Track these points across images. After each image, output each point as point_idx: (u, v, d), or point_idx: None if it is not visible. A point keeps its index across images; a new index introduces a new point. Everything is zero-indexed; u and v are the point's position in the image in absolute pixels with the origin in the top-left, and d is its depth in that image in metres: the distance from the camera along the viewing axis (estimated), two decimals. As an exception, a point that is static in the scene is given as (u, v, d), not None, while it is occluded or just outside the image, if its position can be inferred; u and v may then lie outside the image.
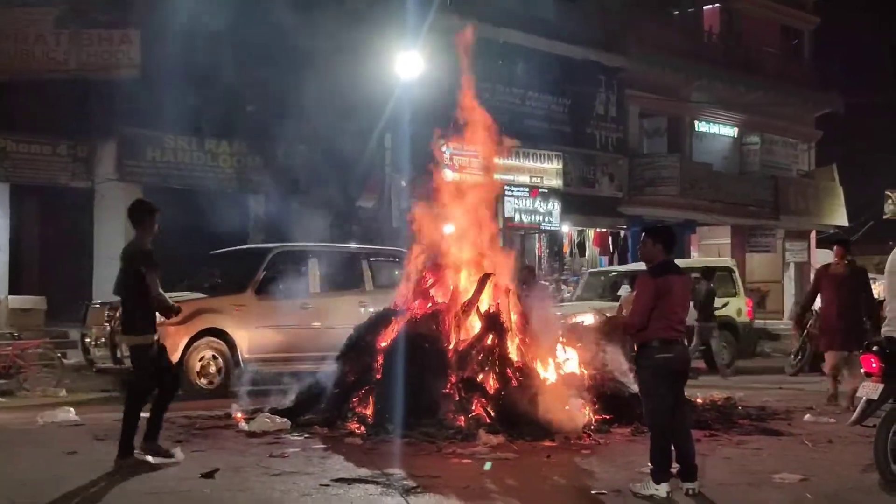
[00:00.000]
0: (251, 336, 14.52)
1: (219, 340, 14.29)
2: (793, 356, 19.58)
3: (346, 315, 14.40)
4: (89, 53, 22.04)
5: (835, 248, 13.28)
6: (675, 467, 7.73)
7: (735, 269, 21.60)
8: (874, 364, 8.13)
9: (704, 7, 31.83)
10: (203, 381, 14.09)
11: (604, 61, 27.04)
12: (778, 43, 34.31)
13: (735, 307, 20.09)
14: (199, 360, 14.13)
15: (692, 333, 17.29)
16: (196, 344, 14.06)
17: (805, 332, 19.27)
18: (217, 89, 19.69)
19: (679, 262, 9.06)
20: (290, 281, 14.91)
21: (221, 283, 15.44)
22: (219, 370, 14.25)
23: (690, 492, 7.60)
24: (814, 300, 13.61)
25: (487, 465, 8.81)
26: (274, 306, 14.76)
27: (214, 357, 14.24)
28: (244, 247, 17.46)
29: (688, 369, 7.99)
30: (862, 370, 8.45)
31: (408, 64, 18.92)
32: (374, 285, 15.73)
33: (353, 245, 17.04)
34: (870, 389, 8.13)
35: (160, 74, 19.78)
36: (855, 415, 8.33)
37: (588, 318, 16.20)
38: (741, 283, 21.36)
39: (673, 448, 7.65)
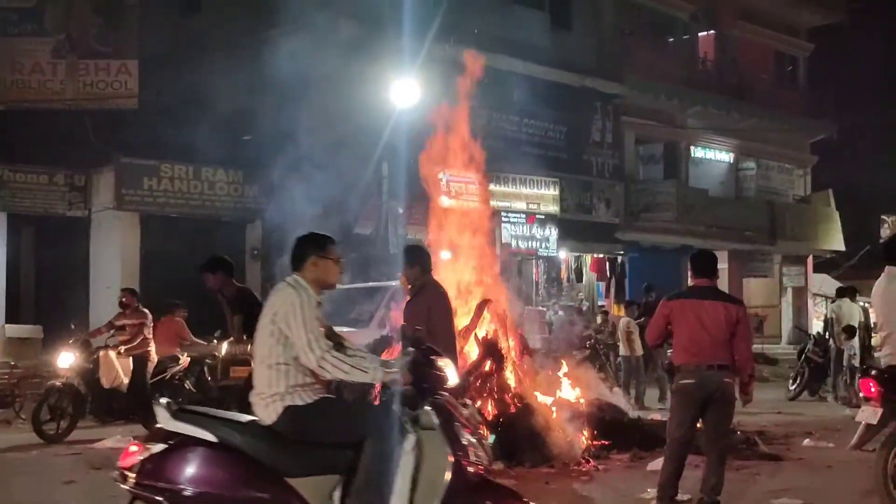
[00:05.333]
0: None
1: None
2: (791, 381, 19.61)
3: None
4: (86, 83, 22.16)
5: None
6: (686, 497, 7.69)
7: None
8: (873, 389, 8.11)
9: (699, 34, 31.95)
10: None
11: (600, 88, 27.13)
12: (772, 69, 34.44)
13: None
14: None
15: None
16: None
17: (803, 356, 19.35)
18: (214, 118, 19.73)
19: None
20: None
21: None
22: None
23: None
24: None
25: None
26: None
27: None
28: None
29: (719, 396, 7.58)
30: (861, 395, 8.44)
31: (404, 92, 18.98)
32: None
33: None
34: (869, 414, 8.11)
35: (157, 104, 19.84)
36: (854, 439, 8.31)
37: None
38: None
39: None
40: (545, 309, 22.80)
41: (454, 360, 7.91)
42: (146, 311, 13.61)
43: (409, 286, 8.56)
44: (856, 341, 17.96)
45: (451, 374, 5.64)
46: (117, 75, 22.25)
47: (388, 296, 16.62)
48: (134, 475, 5.04)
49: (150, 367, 13.36)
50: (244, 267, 21.30)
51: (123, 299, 13.62)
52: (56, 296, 20.60)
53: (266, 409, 5.24)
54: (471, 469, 5.30)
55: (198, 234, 19.51)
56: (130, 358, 13.24)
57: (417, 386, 5.34)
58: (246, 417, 5.38)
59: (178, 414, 5.22)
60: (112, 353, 13.19)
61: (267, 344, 5.27)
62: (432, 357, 5.53)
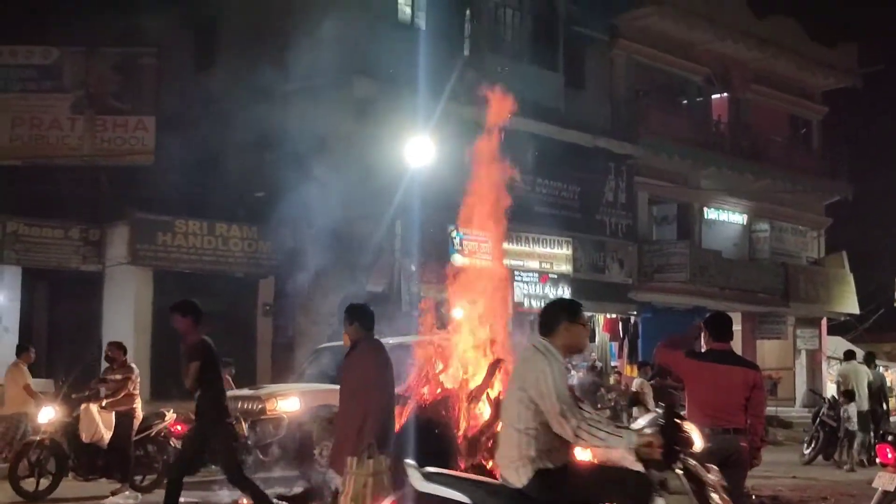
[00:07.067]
0: None
1: None
2: (805, 445, 19.42)
3: None
4: (103, 139, 22.39)
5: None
6: None
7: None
8: (890, 455, 8.02)
9: (713, 97, 32.10)
10: None
11: (613, 149, 27.20)
12: (786, 132, 34.49)
13: None
14: None
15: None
16: None
17: (817, 419, 19.18)
18: (228, 174, 19.81)
19: None
20: None
21: None
22: None
23: None
24: None
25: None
26: None
27: None
28: None
29: (734, 460, 7.44)
30: (878, 461, 8.34)
31: (418, 150, 19.06)
32: None
33: None
34: (886, 480, 8.01)
35: (172, 160, 19.96)
36: (871, 506, 8.19)
37: (294, 404, 14.72)
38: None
39: None
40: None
41: (388, 412, 8.14)
42: (133, 366, 13.31)
43: (350, 343, 8.73)
44: (853, 406, 17.95)
45: (696, 438, 5.65)
46: (134, 131, 22.46)
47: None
48: None
49: (136, 423, 12.98)
50: (255, 322, 21.31)
51: (109, 353, 13.31)
52: (69, 350, 20.57)
53: (516, 472, 5.32)
54: None
55: (210, 289, 19.51)
56: (113, 413, 12.89)
57: (666, 449, 5.29)
58: (494, 481, 5.45)
59: (430, 476, 5.34)
60: (94, 407, 12.83)
61: (515, 409, 5.39)
62: (678, 420, 5.52)
